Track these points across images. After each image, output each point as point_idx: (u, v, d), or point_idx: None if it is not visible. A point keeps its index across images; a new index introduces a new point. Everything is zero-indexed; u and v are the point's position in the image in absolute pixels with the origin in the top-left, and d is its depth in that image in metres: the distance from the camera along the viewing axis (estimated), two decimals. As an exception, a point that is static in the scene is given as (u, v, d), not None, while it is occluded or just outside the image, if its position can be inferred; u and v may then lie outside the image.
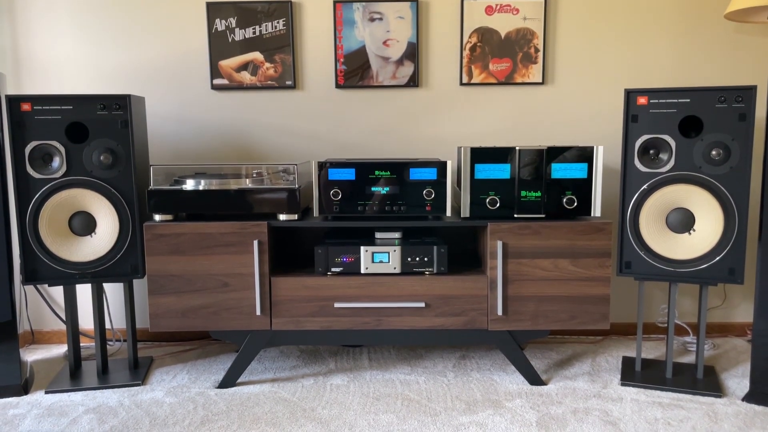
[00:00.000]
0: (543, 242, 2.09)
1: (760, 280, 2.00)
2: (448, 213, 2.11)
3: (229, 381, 2.19)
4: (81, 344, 2.58)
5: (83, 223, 2.13)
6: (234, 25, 2.53)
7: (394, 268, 2.13)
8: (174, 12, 2.54)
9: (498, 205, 2.10)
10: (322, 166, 2.10)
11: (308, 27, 2.56)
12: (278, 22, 2.53)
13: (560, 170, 2.08)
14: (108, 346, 2.62)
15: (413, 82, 2.56)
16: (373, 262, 2.12)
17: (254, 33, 2.54)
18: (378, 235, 2.22)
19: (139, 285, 2.67)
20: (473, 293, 2.11)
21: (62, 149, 2.08)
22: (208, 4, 2.51)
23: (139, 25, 2.55)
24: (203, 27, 2.55)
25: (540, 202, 2.10)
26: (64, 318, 2.63)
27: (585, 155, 2.08)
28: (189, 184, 2.12)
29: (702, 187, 2.01)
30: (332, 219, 2.14)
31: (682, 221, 2.05)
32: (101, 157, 2.10)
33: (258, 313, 2.11)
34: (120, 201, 2.12)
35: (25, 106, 2.06)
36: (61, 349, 2.63)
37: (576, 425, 1.89)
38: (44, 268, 2.11)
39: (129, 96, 2.10)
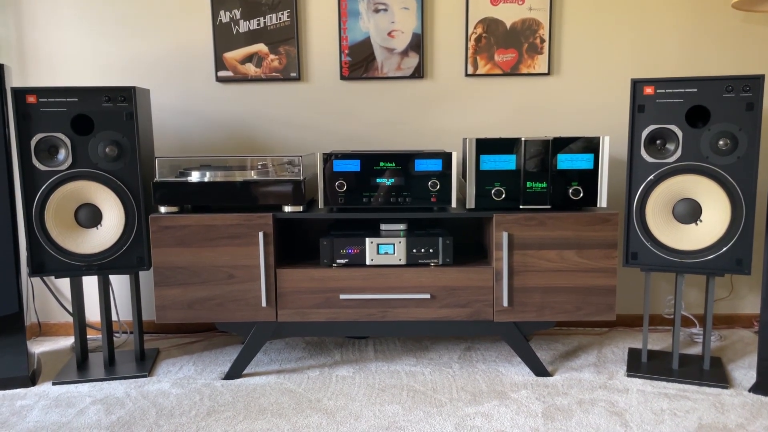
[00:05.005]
0: (549, 233, 2.08)
1: (767, 271, 1.99)
2: (454, 204, 2.11)
3: (235, 372, 2.20)
4: (88, 336, 2.60)
5: (89, 215, 2.13)
6: (238, 16, 2.52)
7: (400, 260, 2.12)
8: (178, 4, 2.54)
9: (503, 196, 2.09)
10: (327, 158, 2.09)
11: (313, 18, 2.55)
12: (283, 14, 2.52)
13: (566, 161, 2.08)
14: (114, 338, 2.64)
15: (418, 73, 2.55)
16: (378, 253, 2.12)
17: (259, 25, 2.53)
18: (383, 226, 2.22)
19: (145, 277, 2.68)
20: (479, 284, 2.11)
21: (68, 141, 2.08)
22: (213, -4, 2.51)
23: (143, 17, 2.55)
24: (208, 19, 2.55)
25: (546, 193, 2.09)
26: (70, 310, 2.65)
27: (591, 146, 2.07)
28: (194, 176, 2.12)
29: (709, 178, 2.00)
30: (337, 211, 2.14)
31: (689, 212, 2.03)
32: (106, 149, 2.10)
33: (263, 304, 2.11)
34: (125, 193, 2.13)
35: (31, 99, 2.07)
36: (68, 341, 2.64)
37: (582, 416, 1.89)
38: (51, 260, 2.12)
39: (134, 88, 2.10)
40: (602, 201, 2.09)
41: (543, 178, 2.08)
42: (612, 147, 2.59)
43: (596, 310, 2.12)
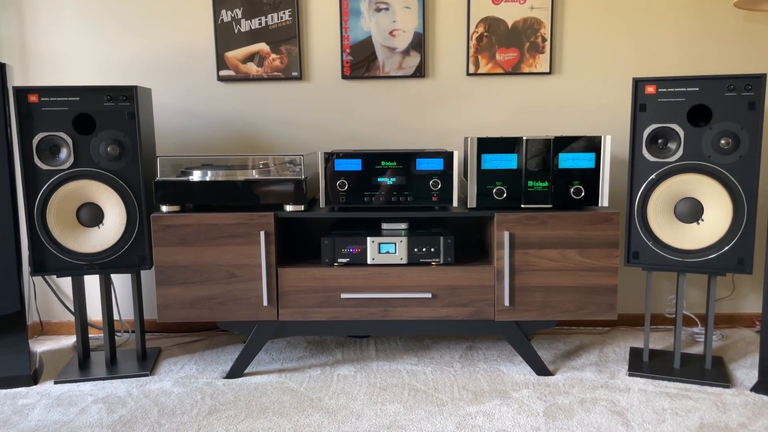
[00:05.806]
0: (550, 232, 2.08)
1: (769, 270, 1.99)
2: (455, 203, 2.11)
3: (236, 371, 2.20)
4: (89, 335, 2.60)
5: (91, 215, 2.14)
6: (240, 16, 2.53)
7: (401, 259, 2.13)
8: (180, 3, 2.54)
9: (505, 195, 2.09)
10: (329, 157, 2.10)
11: (314, 17, 2.55)
12: (284, 13, 2.52)
13: (568, 160, 2.07)
14: (116, 337, 2.64)
15: (420, 72, 2.55)
16: (379, 252, 2.12)
17: (260, 24, 2.53)
18: (384, 225, 2.22)
19: (147, 276, 2.68)
20: (480, 284, 2.11)
21: (69, 141, 2.09)
22: (214, -5, 2.51)
23: (145, 17, 2.55)
24: (209, 18, 2.55)
25: (547, 193, 2.09)
26: (72, 309, 2.65)
27: (593, 145, 2.07)
28: (196, 176, 2.12)
29: (711, 177, 1.99)
30: (339, 210, 2.14)
31: (691, 211, 2.03)
32: (108, 149, 2.10)
33: (265, 303, 2.11)
34: (127, 192, 2.13)
35: (33, 98, 2.07)
36: (70, 340, 2.65)
37: (583, 415, 1.89)
38: (52, 259, 2.12)
39: (135, 87, 2.10)
40: (604, 200, 2.09)
41: (544, 177, 2.08)
42: (613, 146, 2.59)
43: (598, 309, 2.12)
